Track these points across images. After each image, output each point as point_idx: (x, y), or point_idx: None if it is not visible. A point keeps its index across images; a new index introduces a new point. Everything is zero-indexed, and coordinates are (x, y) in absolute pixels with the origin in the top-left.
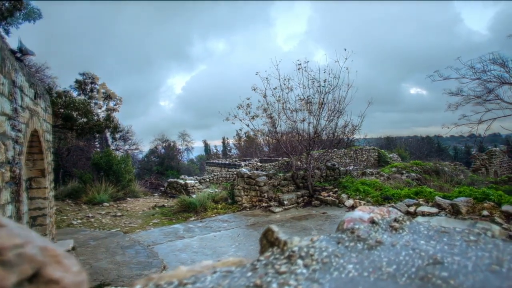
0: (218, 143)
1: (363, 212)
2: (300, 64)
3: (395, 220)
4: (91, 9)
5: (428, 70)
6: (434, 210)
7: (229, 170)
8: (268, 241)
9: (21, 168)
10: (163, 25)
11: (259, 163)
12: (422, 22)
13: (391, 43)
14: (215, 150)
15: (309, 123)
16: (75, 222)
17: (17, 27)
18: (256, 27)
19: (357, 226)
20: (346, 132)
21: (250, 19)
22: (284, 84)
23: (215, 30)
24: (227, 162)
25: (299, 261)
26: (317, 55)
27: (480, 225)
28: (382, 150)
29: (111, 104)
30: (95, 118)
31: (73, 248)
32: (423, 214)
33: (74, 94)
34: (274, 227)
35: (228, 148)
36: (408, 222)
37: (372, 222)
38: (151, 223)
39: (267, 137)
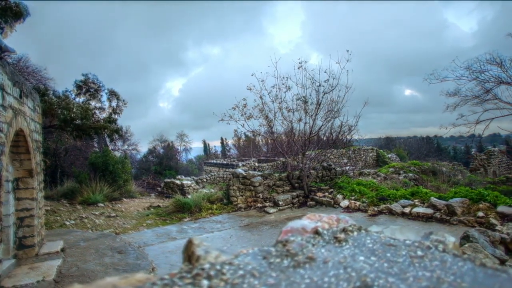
0: (217, 143)
1: (311, 220)
2: (301, 63)
3: (343, 230)
4: (91, 20)
5: (417, 72)
6: (429, 211)
7: (227, 170)
8: (188, 254)
9: (2, 168)
10: (158, 37)
11: (256, 163)
12: (410, 27)
13: (382, 47)
14: (214, 151)
15: (305, 123)
16: (68, 223)
17: (11, 25)
18: (250, 35)
19: (292, 238)
20: (343, 132)
21: (242, 27)
22: (283, 84)
23: (209, 38)
24: (225, 162)
25: (204, 282)
26: (312, 58)
27: (434, 236)
28: (381, 150)
29: (113, 104)
30: (94, 119)
31: (62, 250)
32: (418, 215)
33: (73, 95)
34: (195, 239)
35: (227, 148)
36: (355, 233)
37: (316, 232)
38: (144, 224)
39: (263, 137)
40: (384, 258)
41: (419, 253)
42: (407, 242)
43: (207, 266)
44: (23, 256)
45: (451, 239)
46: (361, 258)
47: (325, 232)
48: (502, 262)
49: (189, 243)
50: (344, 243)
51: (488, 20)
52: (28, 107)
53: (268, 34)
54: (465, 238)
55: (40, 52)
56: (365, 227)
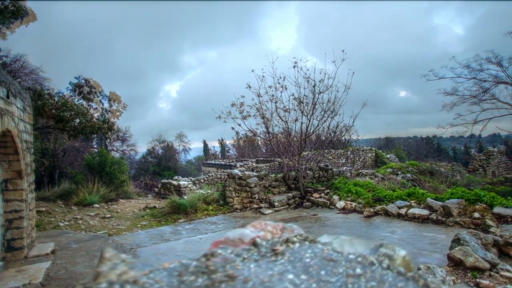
0: (217, 144)
1: (254, 229)
2: (296, 62)
3: (286, 241)
4: (92, 31)
5: (411, 75)
6: (425, 212)
7: (225, 170)
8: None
9: None
10: (155, 44)
11: (254, 164)
12: (401, 31)
13: (375, 50)
14: (213, 151)
15: (302, 123)
16: (62, 224)
17: (8, 27)
18: (245, 40)
19: (219, 251)
20: (339, 132)
21: (237, 34)
22: (279, 83)
23: (204, 45)
24: (223, 163)
25: None
26: (307, 60)
27: (383, 250)
28: (380, 151)
29: (114, 107)
30: (88, 119)
31: (53, 252)
32: (414, 216)
33: (69, 95)
34: (107, 251)
35: (227, 149)
36: (297, 245)
37: (254, 244)
38: (139, 225)
39: (259, 138)
40: (316, 276)
41: (358, 270)
42: (350, 256)
43: (103, 285)
44: (11, 258)
45: (401, 253)
46: (290, 276)
47: (264, 243)
48: (493, 266)
49: (100, 257)
50: (280, 257)
51: (470, 26)
52: (17, 107)
53: (264, 40)
54: (456, 241)
55: (40, 54)
56: (356, 232)
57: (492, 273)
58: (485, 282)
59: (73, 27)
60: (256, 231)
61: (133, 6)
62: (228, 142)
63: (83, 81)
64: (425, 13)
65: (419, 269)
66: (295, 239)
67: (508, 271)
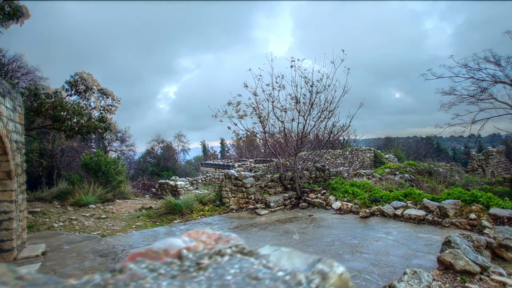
0: (217, 143)
1: (189, 238)
2: (294, 61)
3: (218, 252)
4: (91, 37)
5: (404, 77)
6: (421, 213)
7: (223, 171)
8: None
9: None
10: (152, 50)
11: (253, 164)
12: (394, 35)
13: (367, 53)
14: (212, 151)
15: (298, 123)
16: (56, 225)
17: (2, 25)
18: (242, 44)
19: (131, 266)
20: (336, 132)
21: (234, 37)
22: (277, 83)
23: (201, 48)
24: (221, 163)
25: None
26: (303, 59)
27: (319, 266)
28: (378, 151)
29: (108, 102)
30: (86, 118)
31: (44, 253)
32: (410, 217)
33: (65, 94)
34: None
35: (227, 149)
36: (226, 258)
37: (179, 256)
38: (134, 226)
39: (257, 137)
40: None
41: None
42: (279, 274)
43: None
44: (0, 260)
45: (338, 270)
46: None
47: (190, 256)
48: (484, 269)
49: None
50: (201, 273)
51: (450, 34)
52: (6, 107)
53: (261, 42)
54: (447, 244)
55: (39, 58)
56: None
57: (482, 276)
58: (474, 286)
59: (72, 34)
60: (188, 241)
61: (130, 11)
62: (229, 142)
63: (81, 79)
64: (416, 17)
65: (405, 273)
66: (228, 250)
67: (500, 274)
